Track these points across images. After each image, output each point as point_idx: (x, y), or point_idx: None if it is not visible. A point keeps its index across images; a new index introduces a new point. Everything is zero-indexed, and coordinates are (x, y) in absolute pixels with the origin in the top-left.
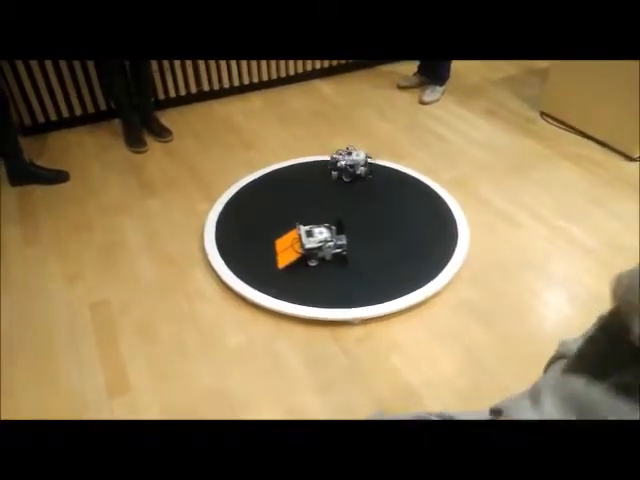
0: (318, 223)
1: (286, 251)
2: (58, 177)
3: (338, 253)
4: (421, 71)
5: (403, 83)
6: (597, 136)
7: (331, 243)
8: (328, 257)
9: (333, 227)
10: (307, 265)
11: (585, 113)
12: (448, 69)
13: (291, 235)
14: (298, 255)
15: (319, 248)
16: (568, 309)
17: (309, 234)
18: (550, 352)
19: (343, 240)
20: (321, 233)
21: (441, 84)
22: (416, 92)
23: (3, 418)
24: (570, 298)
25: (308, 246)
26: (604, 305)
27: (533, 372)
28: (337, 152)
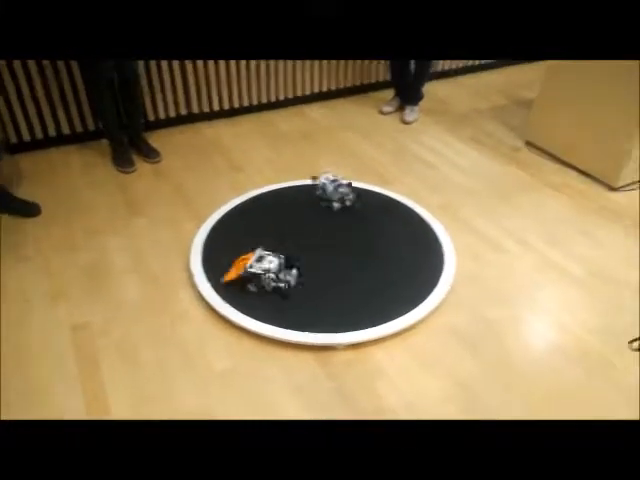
0: (302, 248)
1: (236, 268)
2: (29, 210)
3: (279, 287)
4: (398, 95)
5: (386, 109)
6: (580, 166)
7: (272, 275)
8: (268, 288)
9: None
10: (247, 290)
11: (568, 143)
12: (421, 89)
13: (250, 255)
14: (238, 275)
15: (258, 276)
16: (553, 336)
17: (260, 259)
18: (536, 379)
19: (289, 277)
20: (270, 262)
21: (416, 103)
22: (397, 115)
23: None
24: (555, 325)
25: (250, 270)
26: (588, 332)
27: (519, 399)
28: (322, 178)
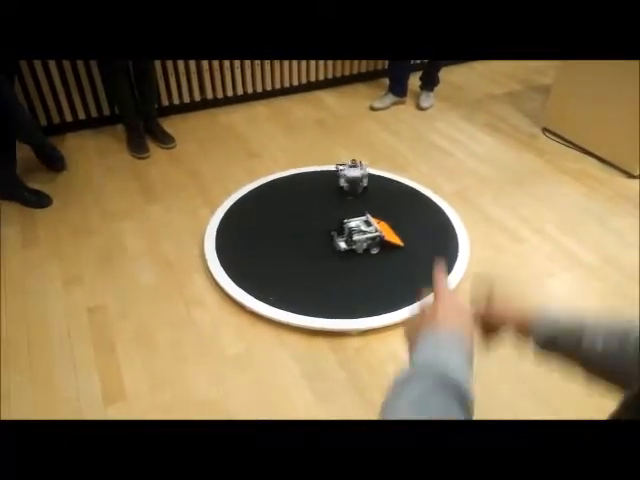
0: (317, 233)
1: (388, 233)
2: (40, 201)
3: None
4: (392, 90)
5: (377, 105)
6: (598, 153)
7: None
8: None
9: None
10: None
11: (587, 130)
12: (437, 74)
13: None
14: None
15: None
16: None
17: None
18: (547, 368)
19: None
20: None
21: (432, 89)
22: (413, 102)
23: None
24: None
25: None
26: None
27: (528, 387)
28: (340, 164)
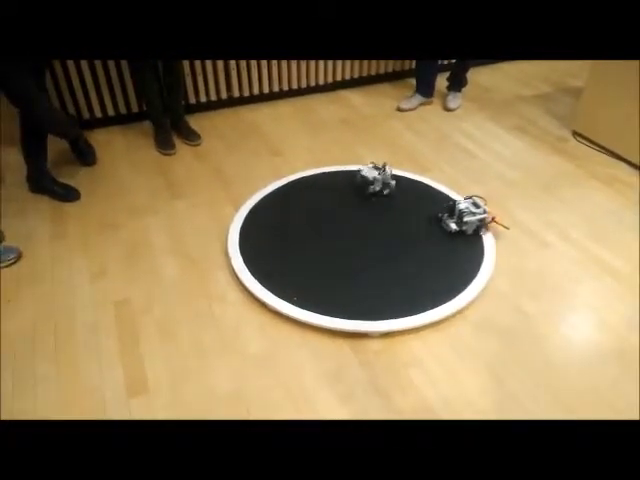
0: (339, 233)
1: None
2: (69, 195)
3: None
4: (419, 90)
5: (404, 106)
6: (630, 158)
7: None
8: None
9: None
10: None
11: (618, 134)
12: (465, 75)
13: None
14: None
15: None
16: (595, 334)
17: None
18: (571, 375)
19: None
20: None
21: (460, 90)
22: (440, 103)
23: (23, 412)
24: (597, 322)
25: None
26: (628, 330)
27: (556, 397)
28: (366, 165)
